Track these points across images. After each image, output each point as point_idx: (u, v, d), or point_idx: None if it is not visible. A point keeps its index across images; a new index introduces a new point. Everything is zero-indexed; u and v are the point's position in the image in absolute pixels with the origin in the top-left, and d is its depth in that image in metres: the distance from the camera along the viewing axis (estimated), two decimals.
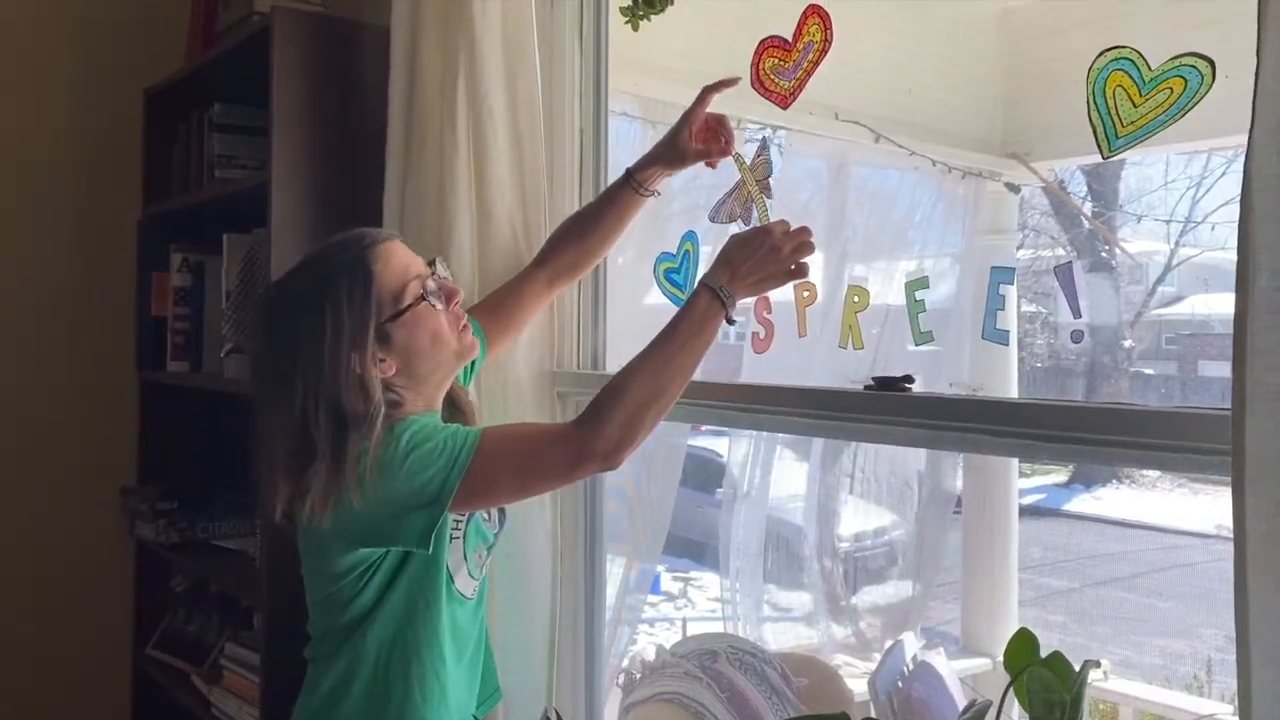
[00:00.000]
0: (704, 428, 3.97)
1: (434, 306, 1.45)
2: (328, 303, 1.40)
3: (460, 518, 1.50)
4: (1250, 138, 0.94)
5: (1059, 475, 5.76)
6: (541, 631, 1.85)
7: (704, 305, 1.42)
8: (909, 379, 1.45)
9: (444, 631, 1.50)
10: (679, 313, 1.44)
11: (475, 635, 1.60)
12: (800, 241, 1.46)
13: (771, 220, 1.55)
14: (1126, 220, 4.24)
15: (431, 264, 1.52)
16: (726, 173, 3.17)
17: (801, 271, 1.47)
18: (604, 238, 1.79)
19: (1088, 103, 1.22)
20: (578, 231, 1.79)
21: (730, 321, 1.45)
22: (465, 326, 1.52)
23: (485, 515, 1.58)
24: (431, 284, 1.46)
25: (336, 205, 2.07)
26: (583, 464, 1.40)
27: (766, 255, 1.43)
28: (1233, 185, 3.56)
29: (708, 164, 1.72)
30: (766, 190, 1.70)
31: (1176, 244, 4.44)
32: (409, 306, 1.43)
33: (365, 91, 2.10)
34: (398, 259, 1.45)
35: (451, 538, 1.49)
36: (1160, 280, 4.81)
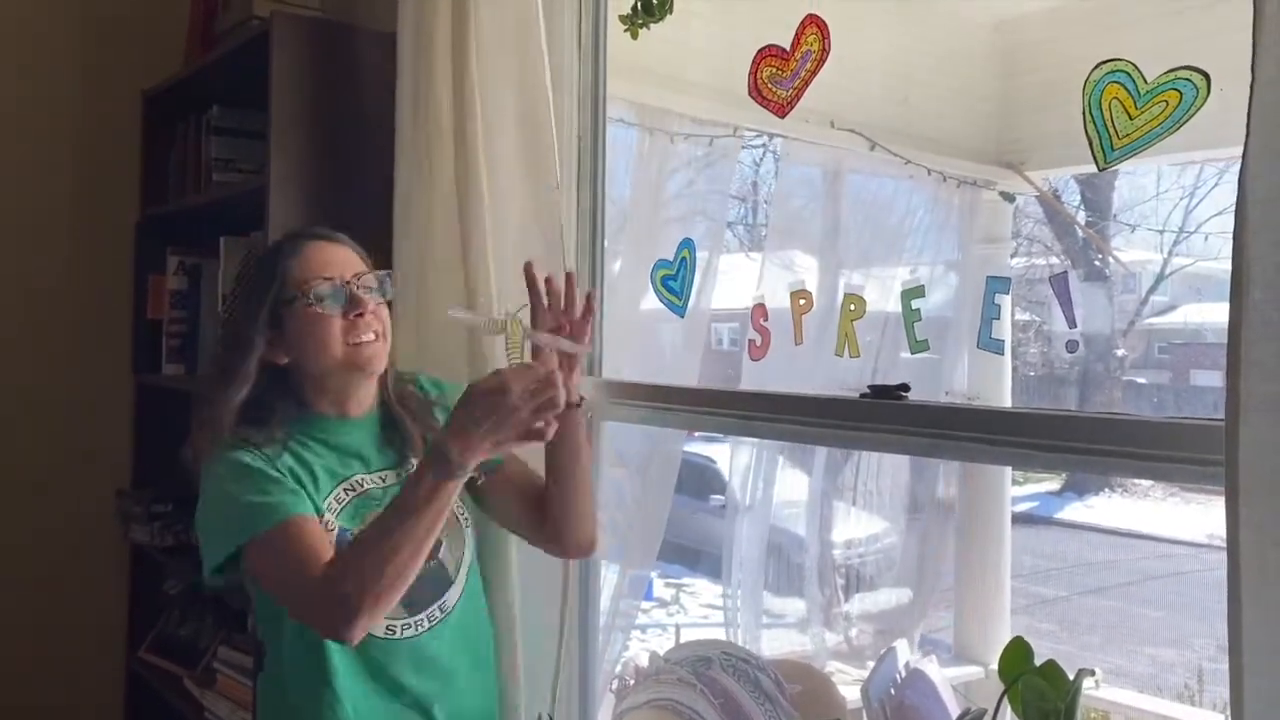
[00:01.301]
0: (697, 434, 3.97)
1: (317, 310, 1.51)
2: (248, 274, 1.60)
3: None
4: (1245, 151, 0.95)
5: (1051, 484, 5.77)
6: (550, 638, 1.84)
7: (433, 477, 1.33)
8: (904, 387, 1.46)
9: (342, 664, 1.49)
10: (410, 481, 1.37)
11: (419, 674, 1.54)
12: (540, 402, 1.30)
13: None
14: (1120, 230, 4.26)
15: (364, 274, 1.56)
16: (722, 178, 3.18)
17: (541, 434, 1.33)
18: (559, 481, 1.62)
19: (1084, 114, 1.23)
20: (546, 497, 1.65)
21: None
22: (363, 343, 1.53)
23: None
24: (327, 289, 1.51)
25: (334, 208, 2.07)
26: (319, 629, 1.41)
27: (503, 418, 1.30)
28: (1225, 196, 3.57)
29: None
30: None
31: (1169, 254, 4.46)
32: (293, 299, 1.51)
33: (363, 96, 2.11)
34: (318, 257, 1.54)
35: None
36: (1153, 289, 4.83)
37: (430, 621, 1.56)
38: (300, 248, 1.55)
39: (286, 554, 1.40)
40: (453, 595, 1.59)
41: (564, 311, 1.53)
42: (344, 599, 1.32)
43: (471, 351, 1.87)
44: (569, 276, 1.55)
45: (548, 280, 1.53)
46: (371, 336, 1.55)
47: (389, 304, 1.61)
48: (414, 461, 1.58)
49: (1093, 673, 1.13)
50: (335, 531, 1.49)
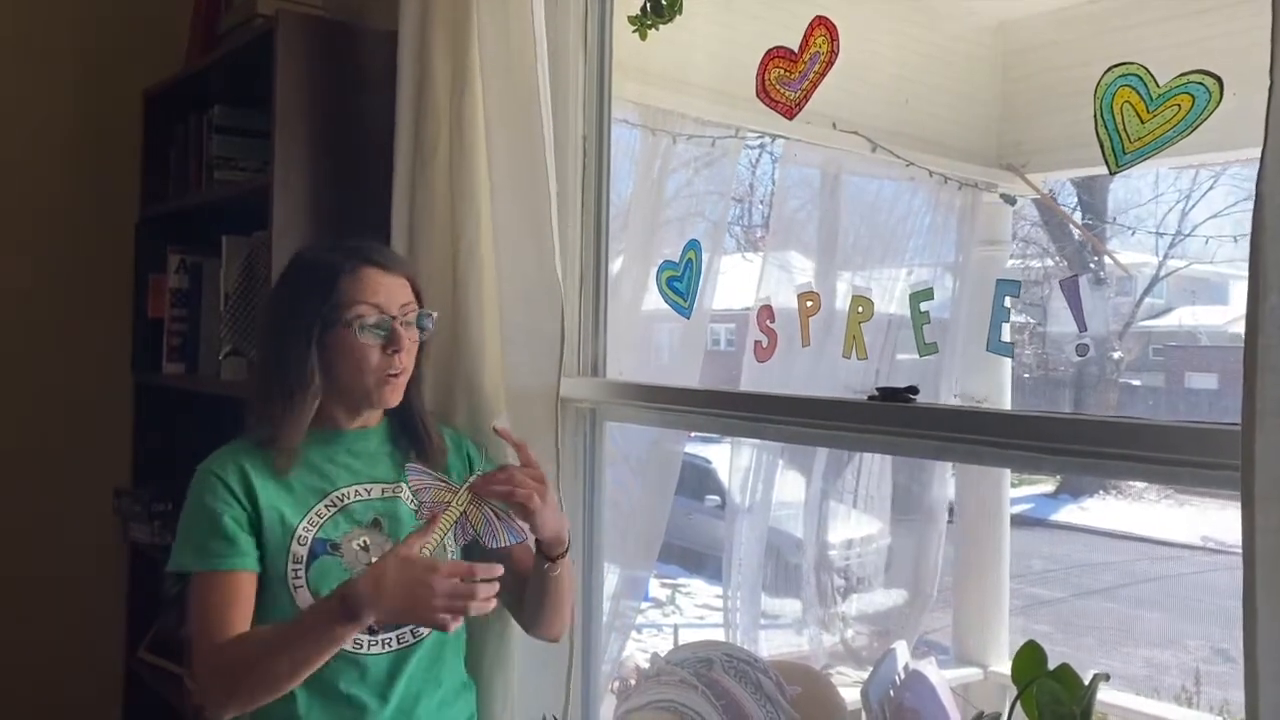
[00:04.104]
0: (694, 435, 3.98)
1: (359, 338, 1.53)
2: (297, 288, 1.58)
3: (299, 565, 1.52)
4: (1263, 156, 0.95)
5: (1047, 486, 5.77)
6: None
7: (331, 621, 1.36)
8: (913, 389, 1.46)
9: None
10: (313, 610, 1.42)
11: (377, 694, 1.55)
12: (457, 594, 1.32)
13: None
14: (1117, 232, 4.26)
15: (409, 307, 1.58)
16: (716, 181, 3.17)
17: (444, 626, 1.33)
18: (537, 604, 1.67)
19: (1095, 118, 1.23)
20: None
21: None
22: (392, 376, 1.56)
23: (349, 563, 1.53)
24: (372, 319, 1.54)
25: (337, 209, 2.07)
26: (193, 690, 1.57)
27: (420, 592, 1.32)
28: (1221, 199, 3.57)
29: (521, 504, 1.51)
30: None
31: (1165, 256, 4.46)
32: (339, 322, 1.53)
33: (367, 95, 2.10)
34: (371, 283, 1.55)
35: (294, 587, 1.51)
36: (1147, 292, 4.83)
37: (399, 642, 1.56)
38: (356, 270, 1.55)
39: (202, 603, 1.49)
40: None
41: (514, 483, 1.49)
42: (219, 686, 1.45)
43: (453, 354, 1.87)
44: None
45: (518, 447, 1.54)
46: (399, 371, 1.57)
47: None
48: (405, 485, 1.59)
49: (1107, 677, 1.13)
50: (309, 545, 1.53)
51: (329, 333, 1.54)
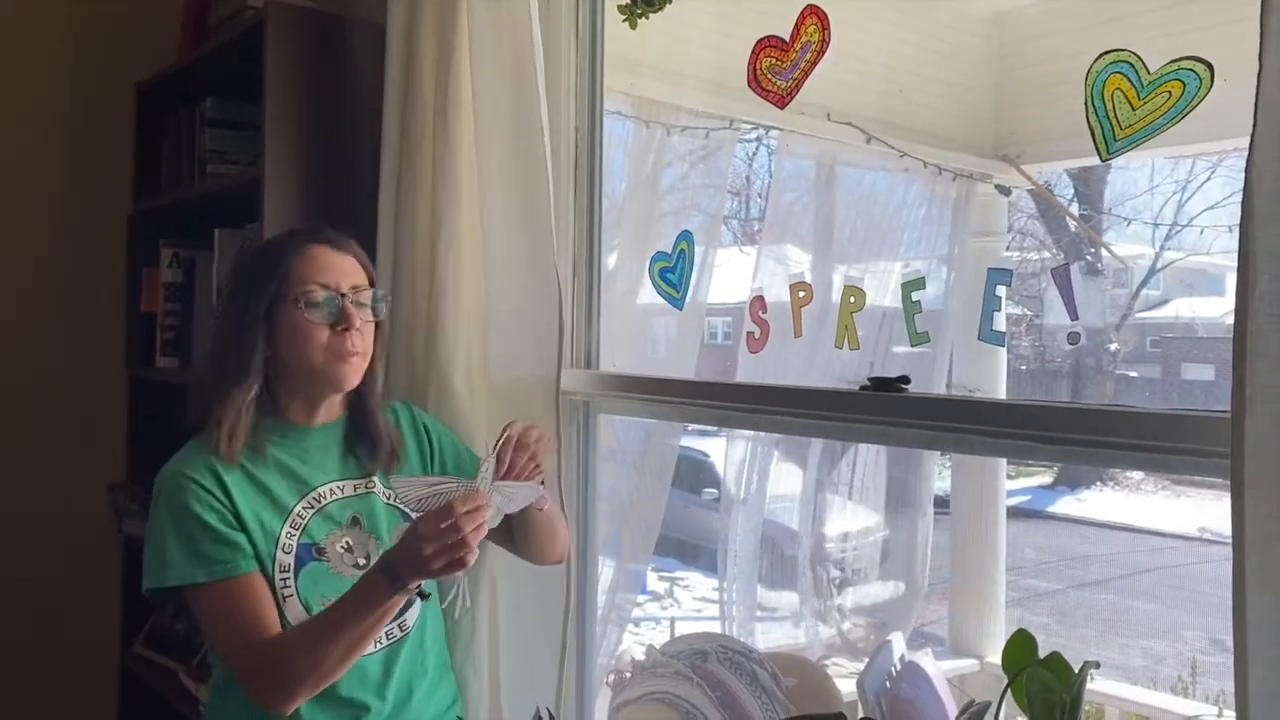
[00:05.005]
0: (690, 428, 3.97)
1: (306, 316, 1.50)
2: (246, 264, 1.59)
3: (287, 574, 1.49)
4: (1251, 142, 0.95)
5: (1044, 477, 5.77)
6: (553, 631, 1.84)
7: (379, 592, 1.36)
8: (905, 379, 1.46)
9: None
10: (358, 586, 1.40)
11: (373, 692, 1.54)
12: (447, 546, 1.32)
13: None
14: (1113, 224, 4.26)
15: (361, 288, 1.55)
16: (712, 174, 3.17)
17: (462, 564, 1.34)
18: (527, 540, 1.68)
19: (1086, 105, 1.23)
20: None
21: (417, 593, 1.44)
22: (345, 356, 1.52)
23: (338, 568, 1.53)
24: (320, 296, 1.51)
25: (329, 200, 2.06)
26: (252, 696, 1.45)
27: (420, 561, 1.32)
28: (1217, 190, 3.56)
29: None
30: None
31: (1161, 248, 4.46)
32: (286, 299, 1.50)
33: (358, 87, 2.10)
34: (320, 261, 1.53)
35: (284, 597, 1.48)
36: (1144, 283, 4.83)
37: (389, 639, 1.56)
38: (304, 249, 1.54)
39: (228, 613, 1.45)
40: (413, 614, 1.59)
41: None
42: (282, 682, 1.41)
43: (428, 354, 1.88)
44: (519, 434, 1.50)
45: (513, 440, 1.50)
46: (354, 351, 1.53)
47: (379, 323, 1.60)
48: (375, 479, 1.60)
49: (1097, 665, 1.12)
50: (294, 552, 1.50)
51: (277, 311, 1.51)
